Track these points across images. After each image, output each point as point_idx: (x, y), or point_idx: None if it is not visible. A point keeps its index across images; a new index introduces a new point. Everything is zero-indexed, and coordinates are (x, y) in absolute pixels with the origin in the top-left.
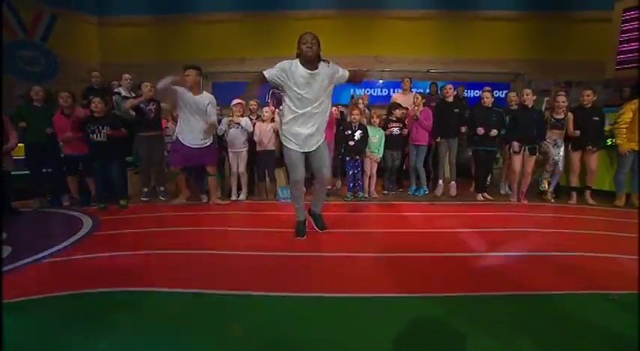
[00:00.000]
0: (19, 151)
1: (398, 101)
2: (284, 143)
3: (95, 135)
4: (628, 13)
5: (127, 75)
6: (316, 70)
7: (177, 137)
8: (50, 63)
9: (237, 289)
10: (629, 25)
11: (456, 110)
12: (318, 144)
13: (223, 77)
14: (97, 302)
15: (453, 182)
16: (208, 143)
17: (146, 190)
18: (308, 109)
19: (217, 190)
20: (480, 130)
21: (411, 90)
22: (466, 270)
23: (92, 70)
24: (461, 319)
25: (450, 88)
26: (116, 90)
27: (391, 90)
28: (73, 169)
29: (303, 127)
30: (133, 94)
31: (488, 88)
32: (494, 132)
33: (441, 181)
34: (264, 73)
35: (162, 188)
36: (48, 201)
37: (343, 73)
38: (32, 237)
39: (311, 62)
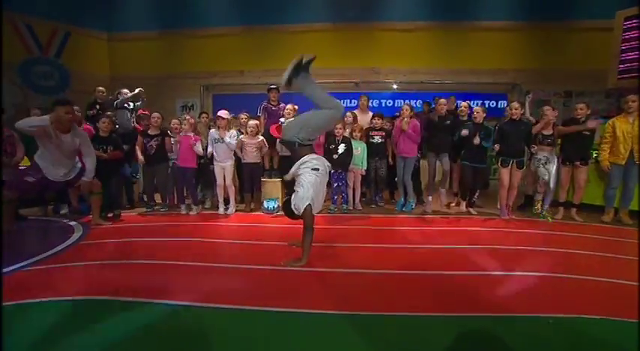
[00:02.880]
0: (24, 162)
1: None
2: None
3: (100, 152)
4: (629, 22)
5: (125, 90)
6: None
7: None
8: (63, 77)
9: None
10: (630, 34)
11: (447, 122)
12: None
13: (223, 89)
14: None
15: (443, 190)
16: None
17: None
18: None
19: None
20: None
21: (368, 108)
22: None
23: (101, 83)
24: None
25: (442, 104)
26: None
27: (386, 102)
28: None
29: None
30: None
31: (466, 104)
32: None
33: (430, 198)
34: None
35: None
36: (52, 209)
37: None
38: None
39: None
